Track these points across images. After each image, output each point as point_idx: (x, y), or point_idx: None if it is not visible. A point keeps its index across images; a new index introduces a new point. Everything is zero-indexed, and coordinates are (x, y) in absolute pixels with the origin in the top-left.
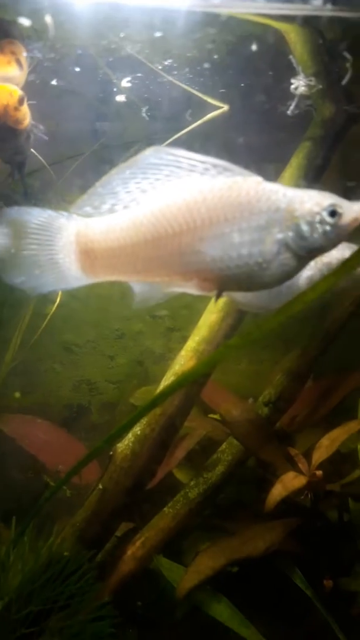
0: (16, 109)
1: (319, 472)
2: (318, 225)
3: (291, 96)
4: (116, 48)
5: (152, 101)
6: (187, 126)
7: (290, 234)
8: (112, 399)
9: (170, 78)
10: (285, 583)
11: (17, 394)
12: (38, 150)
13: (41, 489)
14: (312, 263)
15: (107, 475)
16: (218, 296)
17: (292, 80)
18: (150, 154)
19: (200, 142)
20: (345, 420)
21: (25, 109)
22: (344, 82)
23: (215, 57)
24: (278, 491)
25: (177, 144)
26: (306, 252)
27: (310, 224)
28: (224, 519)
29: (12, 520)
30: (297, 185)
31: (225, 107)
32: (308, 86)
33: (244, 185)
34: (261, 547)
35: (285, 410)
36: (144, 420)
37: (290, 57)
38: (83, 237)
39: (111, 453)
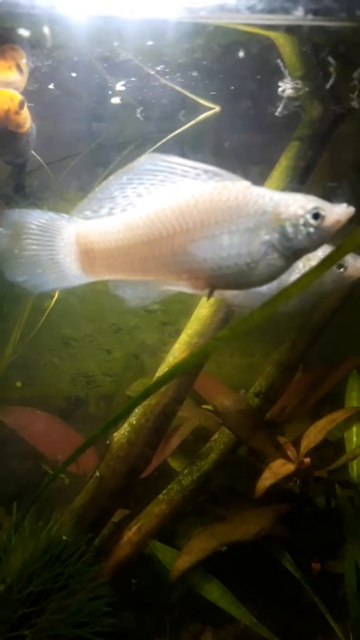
0: (17, 113)
1: (307, 460)
2: (302, 227)
3: (279, 98)
4: (110, 55)
5: (147, 103)
6: (181, 126)
7: (277, 235)
8: (109, 391)
9: (164, 80)
10: (275, 566)
11: (19, 383)
12: (36, 151)
13: (41, 477)
14: (301, 266)
15: (104, 463)
16: (210, 294)
17: (280, 83)
18: (146, 161)
19: (192, 142)
20: (332, 410)
21: (25, 113)
22: (327, 85)
23: (205, 63)
24: (267, 478)
25: (170, 143)
26: (291, 252)
27: (295, 226)
28: (216, 506)
29: (13, 507)
30: (286, 182)
31: (217, 108)
32: (295, 89)
33: (233, 190)
34: (251, 532)
35: (275, 400)
36: (139, 411)
37: (278, 61)
38: (83, 238)
39: (108, 442)
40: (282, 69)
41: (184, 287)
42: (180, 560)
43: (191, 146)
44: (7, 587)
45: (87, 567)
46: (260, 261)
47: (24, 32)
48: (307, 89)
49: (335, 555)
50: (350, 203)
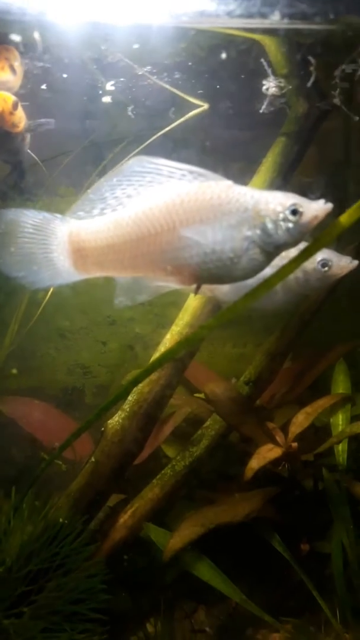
0: (11, 113)
1: (295, 444)
2: (282, 223)
3: (264, 96)
4: (99, 57)
5: (137, 101)
6: (171, 123)
7: (258, 231)
8: (105, 381)
9: (154, 79)
10: (265, 547)
11: (14, 370)
12: (31, 148)
13: (38, 464)
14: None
15: (99, 448)
16: (197, 289)
17: (264, 82)
18: (134, 163)
19: (182, 138)
20: (319, 396)
21: (20, 113)
22: (309, 84)
23: (190, 64)
24: (256, 461)
25: (161, 139)
26: (272, 247)
27: (275, 222)
28: (208, 490)
29: (12, 490)
30: (273, 176)
31: (206, 106)
32: (278, 87)
33: (216, 189)
34: (241, 514)
35: (265, 388)
36: (132, 399)
37: (262, 60)
38: (75, 237)
39: (103, 429)
40: (266, 67)
41: (172, 283)
42: (173, 541)
43: (181, 142)
44: (7, 567)
45: (83, 547)
46: (243, 256)
47: (15, 37)
48: (290, 87)
49: (323, 536)
50: (326, 197)
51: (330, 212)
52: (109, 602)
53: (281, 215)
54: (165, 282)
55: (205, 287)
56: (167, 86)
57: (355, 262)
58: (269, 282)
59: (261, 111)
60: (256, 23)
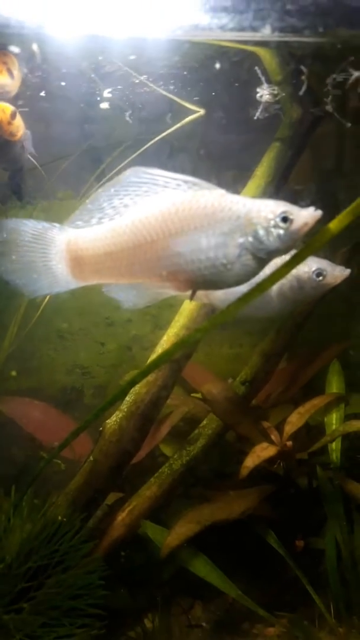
0: (9, 123)
1: (289, 443)
2: (273, 230)
3: (258, 103)
4: (96, 68)
5: (135, 108)
6: (168, 129)
7: (250, 238)
8: (103, 382)
9: (152, 86)
10: (260, 544)
11: (14, 372)
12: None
13: (38, 463)
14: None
15: (98, 448)
16: (193, 295)
17: (258, 89)
18: (131, 174)
19: (178, 144)
20: (314, 396)
21: (18, 122)
22: (300, 92)
23: (185, 73)
24: (251, 460)
25: (158, 144)
26: (264, 254)
27: (266, 229)
28: (204, 488)
29: (11, 489)
30: (268, 180)
31: (202, 111)
32: (272, 94)
33: (210, 198)
34: (237, 511)
35: (260, 388)
36: (130, 399)
37: (256, 68)
38: (73, 245)
39: (101, 429)
40: (260, 75)
41: (168, 289)
42: (170, 538)
43: (177, 148)
44: (7, 564)
45: (82, 544)
46: (236, 262)
47: (14, 49)
48: (284, 94)
49: (317, 533)
50: (316, 205)
51: (320, 219)
52: (107, 598)
53: (272, 222)
54: (162, 289)
55: (201, 294)
56: (164, 92)
57: (348, 271)
58: (261, 286)
59: (256, 117)
60: (248, 36)
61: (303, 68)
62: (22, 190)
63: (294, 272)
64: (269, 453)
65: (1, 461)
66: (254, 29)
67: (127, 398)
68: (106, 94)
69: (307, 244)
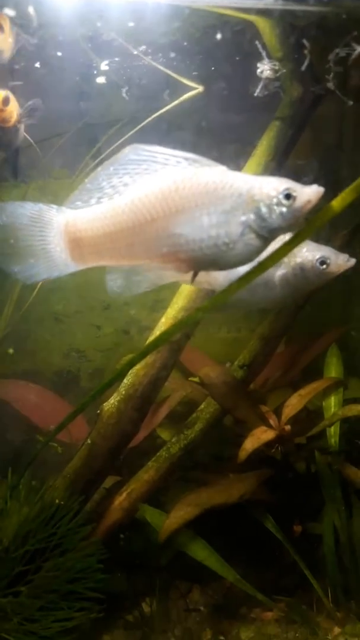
0: (2, 110)
1: (288, 427)
2: (275, 207)
3: (258, 79)
4: (93, 35)
5: (132, 82)
6: (165, 105)
7: (252, 216)
8: (100, 365)
9: (148, 60)
10: (259, 528)
11: (11, 350)
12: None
13: (34, 447)
14: (286, 260)
15: (96, 430)
16: (194, 277)
17: (258, 65)
18: (130, 152)
19: (176, 120)
20: (312, 380)
21: (10, 108)
22: (303, 67)
23: (185, 44)
24: (250, 443)
25: (155, 121)
26: (267, 232)
27: (269, 206)
28: (202, 472)
29: (8, 472)
30: (267, 160)
31: (200, 88)
32: (273, 70)
33: (211, 175)
34: (235, 495)
35: (259, 372)
36: (128, 382)
37: (257, 42)
38: (71, 227)
39: (98, 412)
40: (261, 50)
41: (169, 270)
42: (168, 522)
43: (175, 125)
44: (4, 547)
45: (80, 527)
46: (238, 241)
47: (9, 12)
48: (284, 70)
49: (315, 518)
50: (319, 181)
51: (323, 196)
52: (104, 582)
53: (275, 200)
54: (162, 270)
55: (202, 280)
56: (162, 68)
57: (353, 261)
58: (263, 265)
59: (256, 94)
60: (251, 3)
61: (305, 42)
62: (18, 169)
63: (298, 260)
64: (268, 436)
65: None
66: None
67: (125, 380)
68: (103, 66)
69: (308, 221)
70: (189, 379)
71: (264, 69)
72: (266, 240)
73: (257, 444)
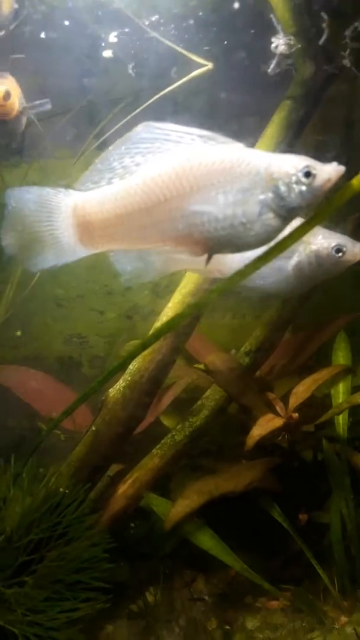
0: (2, 105)
1: (295, 415)
2: (294, 186)
3: (272, 55)
4: (105, 2)
5: (139, 58)
6: (173, 83)
7: (270, 194)
8: (102, 352)
9: (156, 35)
10: (265, 517)
11: (19, 332)
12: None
13: (36, 434)
14: (301, 248)
15: (100, 417)
16: (208, 259)
17: (273, 39)
18: (142, 130)
19: (186, 95)
20: (320, 368)
21: (11, 102)
22: (321, 41)
23: (201, 14)
24: (257, 431)
25: (163, 99)
26: (286, 211)
27: (288, 184)
28: (208, 460)
29: (11, 459)
30: (278, 140)
31: (210, 65)
32: (288, 45)
33: (227, 152)
34: (242, 483)
35: (265, 359)
36: (133, 368)
37: (271, 15)
38: (80, 210)
39: (103, 398)
40: (276, 24)
41: (182, 254)
42: (174, 510)
43: (185, 101)
44: (7, 536)
45: (85, 516)
46: (256, 221)
47: None
48: (299, 46)
49: (322, 507)
50: (339, 159)
51: (344, 175)
52: (108, 571)
53: (294, 178)
54: (175, 253)
55: (215, 269)
56: (171, 43)
57: None
58: (282, 245)
59: (269, 71)
60: None
61: (324, 15)
62: (23, 151)
63: (313, 247)
64: (276, 424)
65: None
66: None
67: (130, 366)
68: (112, 38)
69: (327, 200)
70: (194, 366)
71: (279, 43)
72: (284, 220)
73: (265, 432)
